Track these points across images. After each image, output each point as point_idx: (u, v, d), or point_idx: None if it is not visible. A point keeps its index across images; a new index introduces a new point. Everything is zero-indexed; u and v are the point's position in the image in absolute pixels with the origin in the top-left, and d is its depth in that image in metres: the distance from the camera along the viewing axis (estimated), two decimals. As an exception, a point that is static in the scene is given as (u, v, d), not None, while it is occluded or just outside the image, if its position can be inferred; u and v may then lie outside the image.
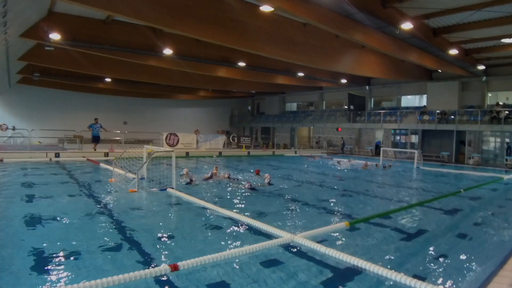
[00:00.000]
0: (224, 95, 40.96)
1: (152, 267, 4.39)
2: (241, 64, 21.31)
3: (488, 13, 13.72)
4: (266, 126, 42.22)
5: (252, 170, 15.67)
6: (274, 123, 40.96)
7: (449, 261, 5.18)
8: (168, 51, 18.26)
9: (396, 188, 12.75)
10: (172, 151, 10.61)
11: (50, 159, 18.28)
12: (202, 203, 8.22)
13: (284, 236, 5.49)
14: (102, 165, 16.14)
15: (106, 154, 20.37)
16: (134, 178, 11.37)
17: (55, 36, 15.32)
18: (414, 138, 28.68)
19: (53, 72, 26.53)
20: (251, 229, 6.33)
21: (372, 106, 33.27)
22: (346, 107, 33.57)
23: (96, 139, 21.28)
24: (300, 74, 24.65)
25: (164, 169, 13.90)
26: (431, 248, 5.71)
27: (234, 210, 7.71)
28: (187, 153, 23.44)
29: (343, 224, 6.10)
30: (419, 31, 15.04)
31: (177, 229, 6.72)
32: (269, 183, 11.85)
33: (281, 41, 16.48)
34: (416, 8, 13.69)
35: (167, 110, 41.61)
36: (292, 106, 43.04)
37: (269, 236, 5.79)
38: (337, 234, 6.08)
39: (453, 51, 17.47)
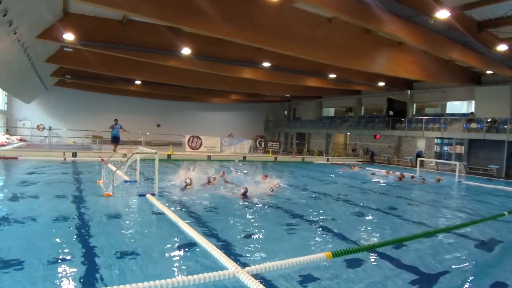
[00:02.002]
0: (258, 99, 39.89)
1: None
2: (266, 64, 20.01)
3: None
4: (301, 132, 40.54)
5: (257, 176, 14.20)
6: (309, 129, 39.22)
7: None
8: (186, 51, 17.39)
9: (424, 207, 10.72)
10: (155, 152, 9.42)
11: (65, 159, 17.98)
12: (171, 215, 6.94)
13: (229, 269, 4.11)
14: (110, 166, 15.41)
15: (124, 155, 19.75)
16: (128, 180, 10.53)
17: (68, 36, 15.26)
18: (460, 149, 25.88)
19: (83, 74, 26.76)
20: (206, 254, 4.99)
21: (414, 112, 30.73)
22: (386, 113, 31.22)
23: (115, 140, 20.76)
24: (332, 75, 22.88)
25: (168, 172, 12.83)
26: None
27: (202, 228, 6.49)
28: (209, 157, 22.43)
29: (323, 255, 4.50)
30: (459, 23, 13.04)
31: (126, 243, 5.52)
32: (272, 191, 10.43)
33: (304, 38, 15.08)
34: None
35: (201, 114, 41.24)
36: (329, 112, 41.07)
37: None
38: (313, 268, 4.60)
39: (502, 47, 15.12)
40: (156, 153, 9.37)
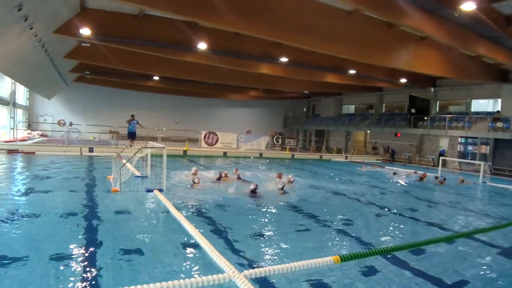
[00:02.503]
0: (277, 96, 39.45)
1: None
2: (284, 59, 19.61)
3: None
4: (320, 129, 39.90)
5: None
6: (328, 126, 38.55)
7: None
8: (202, 46, 17.18)
9: (445, 209, 10.15)
10: (163, 147, 9.20)
11: (81, 154, 18.07)
12: (174, 213, 6.69)
13: (226, 273, 3.81)
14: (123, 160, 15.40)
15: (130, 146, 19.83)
16: (138, 175, 10.41)
17: (85, 31, 15.32)
18: (485, 149, 24.86)
19: (102, 70, 26.99)
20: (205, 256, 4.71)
21: (437, 110, 29.74)
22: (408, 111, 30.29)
23: (132, 136, 20.75)
24: (351, 71, 22.28)
25: (181, 167, 12.62)
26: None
27: (208, 226, 6.25)
28: (225, 153, 22.23)
29: (330, 259, 4.15)
30: (486, 16, 12.36)
31: (126, 241, 5.28)
32: (282, 189, 10.08)
33: (323, 32, 14.68)
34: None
35: (219, 110, 41.13)
36: (350, 109, 40.27)
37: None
38: (323, 272, 4.26)
39: (533, 43, 14.36)
40: (164, 148, 9.15)
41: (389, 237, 6.65)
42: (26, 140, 23.47)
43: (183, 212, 7.06)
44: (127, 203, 7.76)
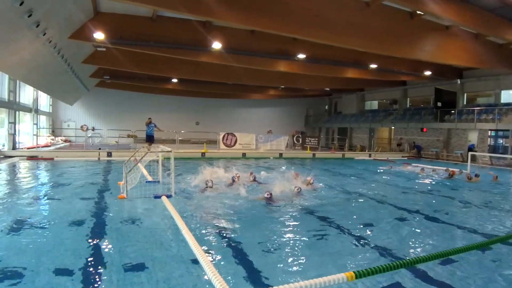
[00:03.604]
0: (297, 94, 38.89)
1: None
2: (301, 56, 19.06)
3: None
4: (342, 127, 39.01)
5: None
6: (351, 123, 37.67)
7: None
8: (217, 45, 16.87)
9: (475, 209, 9.34)
10: (170, 151, 8.84)
11: (99, 159, 18.06)
12: (178, 221, 6.26)
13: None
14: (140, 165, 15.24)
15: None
16: (150, 180, 10.15)
17: (99, 35, 15.33)
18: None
19: (121, 74, 27.17)
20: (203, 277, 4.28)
21: (464, 103, 28.46)
22: (434, 105, 29.11)
23: (150, 139, 20.62)
24: (373, 65, 21.49)
25: (197, 171, 12.25)
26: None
27: (217, 236, 5.84)
28: (243, 154, 21.85)
29: (343, 276, 3.61)
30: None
31: (126, 252, 4.93)
32: (299, 191, 9.58)
33: (340, 25, 14.10)
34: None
35: (240, 111, 40.91)
36: (373, 105, 39.17)
37: None
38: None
39: None
40: (171, 151, 8.80)
41: (414, 245, 6.04)
42: (49, 146, 23.78)
43: (190, 220, 6.68)
44: (133, 211, 7.45)
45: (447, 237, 6.49)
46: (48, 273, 4.27)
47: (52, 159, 17.06)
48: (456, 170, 16.01)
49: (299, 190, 9.63)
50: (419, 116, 30.06)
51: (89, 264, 4.60)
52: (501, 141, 25.11)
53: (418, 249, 5.75)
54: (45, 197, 8.67)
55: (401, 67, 22.74)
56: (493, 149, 24.89)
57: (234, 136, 23.22)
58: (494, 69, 22.93)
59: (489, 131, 24.88)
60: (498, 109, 23.88)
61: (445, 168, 16.87)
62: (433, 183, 14.10)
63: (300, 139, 27.04)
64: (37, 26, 12.48)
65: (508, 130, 23.57)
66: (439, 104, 27.59)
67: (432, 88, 28.53)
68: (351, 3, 13.67)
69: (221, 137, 22.90)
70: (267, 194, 8.87)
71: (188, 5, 12.02)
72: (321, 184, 11.67)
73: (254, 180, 11.10)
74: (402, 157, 26.85)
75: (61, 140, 30.15)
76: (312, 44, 18.00)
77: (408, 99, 34.16)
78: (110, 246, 5.29)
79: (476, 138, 25.73)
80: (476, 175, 14.66)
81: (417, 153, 27.81)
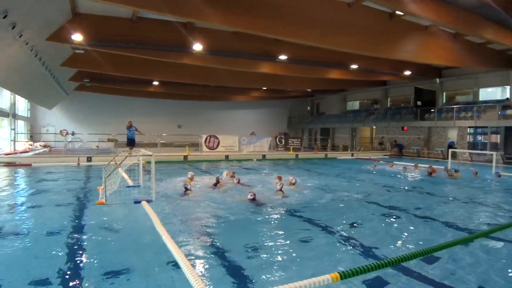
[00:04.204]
0: (280, 96, 38.91)
1: None
2: (283, 57, 19.04)
3: None
4: (325, 127, 39.25)
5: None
6: (333, 124, 37.91)
7: None
8: (198, 47, 16.66)
9: (457, 205, 9.45)
10: (151, 154, 8.69)
11: (78, 164, 17.66)
12: (159, 227, 6.10)
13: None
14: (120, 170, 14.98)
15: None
16: (130, 185, 9.94)
17: (77, 37, 14.92)
18: (496, 138, 24.05)
19: (102, 77, 26.66)
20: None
21: (444, 101, 28.95)
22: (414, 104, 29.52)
23: (131, 142, 20.27)
24: (354, 66, 21.64)
25: (179, 173, 12.10)
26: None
27: (198, 240, 5.74)
28: (226, 156, 21.70)
29: (328, 278, 3.54)
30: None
31: (108, 261, 4.75)
32: (281, 190, 9.52)
33: (322, 25, 14.10)
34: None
35: (222, 113, 40.68)
36: (354, 105, 39.53)
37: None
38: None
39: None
40: (151, 155, 8.63)
41: (399, 244, 6.03)
42: (28, 152, 23.18)
43: (171, 224, 6.54)
44: (112, 217, 7.25)
45: (431, 234, 6.51)
46: (23, 285, 4.10)
47: (30, 165, 16.62)
48: (435, 167, 16.32)
49: (281, 186, 9.61)
50: (400, 115, 30.45)
51: (67, 273, 4.43)
52: (480, 137, 25.64)
53: (403, 247, 5.75)
54: (22, 205, 8.41)
55: (382, 67, 22.99)
56: (473, 145, 25.40)
57: (217, 138, 23.06)
58: (472, 68, 23.40)
59: (468, 128, 25.38)
60: (476, 107, 24.36)
61: (428, 165, 17.07)
62: (416, 180, 14.27)
63: (283, 140, 27.03)
64: (13, 28, 12.14)
65: (486, 127, 24.08)
66: (419, 103, 28.00)
67: (412, 88, 28.95)
68: (333, 3, 13.70)
69: (203, 139, 22.70)
70: (251, 195, 8.77)
71: (170, 6, 11.79)
72: (304, 185, 11.65)
73: (238, 182, 10.99)
74: (384, 155, 27.14)
75: (40, 145, 29.42)
76: (294, 45, 18.01)
77: (389, 98, 34.61)
78: (88, 254, 5.12)
79: (455, 135, 26.20)
80: (456, 171, 14.95)
81: (398, 152, 28.16)
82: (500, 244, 5.80)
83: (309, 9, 13.43)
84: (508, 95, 24.09)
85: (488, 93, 26.57)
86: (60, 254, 5.08)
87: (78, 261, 4.84)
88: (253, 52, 18.83)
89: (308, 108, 45.27)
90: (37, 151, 24.46)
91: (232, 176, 11.36)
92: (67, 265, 4.68)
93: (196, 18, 12.75)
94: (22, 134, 29.17)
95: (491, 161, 17.16)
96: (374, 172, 16.74)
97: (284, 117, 44.61)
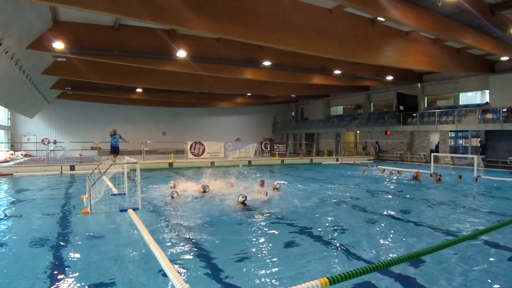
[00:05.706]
0: (264, 101, 39.08)
1: None
2: (267, 63, 19.12)
3: None
4: (310, 132, 39.49)
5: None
6: (318, 129, 38.17)
7: None
8: (182, 53, 16.61)
9: (442, 209, 9.56)
10: (136, 162, 8.60)
11: (61, 173, 17.35)
12: (145, 235, 6.02)
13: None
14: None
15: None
16: (116, 193, 9.79)
17: (58, 45, 14.67)
18: (476, 141, 24.55)
19: (84, 85, 26.35)
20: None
21: (425, 106, 29.48)
22: (396, 108, 29.96)
23: (115, 150, 20.02)
24: (337, 71, 21.86)
25: (164, 181, 11.97)
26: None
27: (185, 247, 5.70)
28: (212, 163, 21.60)
29: (317, 283, 3.53)
30: (471, 5, 12.02)
31: (94, 272, 4.65)
32: (266, 195, 9.53)
33: (304, 32, 14.15)
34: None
35: (207, 119, 40.58)
36: (338, 110, 39.92)
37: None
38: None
39: (518, 30, 14.03)
40: (136, 162, 8.55)
41: (387, 248, 6.09)
42: (8, 161, 22.68)
43: (157, 232, 6.47)
44: (98, 226, 7.14)
45: (418, 238, 6.56)
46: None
47: (12, 174, 16.24)
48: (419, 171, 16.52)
49: (266, 194, 9.61)
50: (383, 120, 30.87)
51: (51, 285, 4.33)
52: (461, 141, 26.13)
53: (391, 252, 5.78)
54: (4, 215, 8.17)
55: (364, 72, 23.30)
56: (454, 149, 25.86)
57: (202, 145, 22.96)
58: (452, 73, 23.91)
59: (450, 132, 25.84)
60: (457, 111, 24.88)
61: (416, 170, 17.22)
62: (401, 185, 14.41)
63: (269, 146, 27.07)
64: (-9, 36, 11.93)
65: (467, 131, 24.57)
66: (401, 107, 28.46)
67: (394, 93, 29.41)
68: (315, 9, 13.80)
69: (188, 146, 22.56)
70: (242, 197, 8.75)
71: (152, 14, 11.66)
72: (289, 190, 11.66)
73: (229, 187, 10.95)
74: (368, 160, 27.40)
75: (21, 154, 28.83)
76: (278, 51, 18.12)
77: (372, 103, 35.06)
78: (73, 264, 5.00)
79: (437, 139, 26.66)
80: (440, 176, 15.13)
81: (376, 154, 28.67)
82: (486, 247, 5.91)
83: (290, 15, 13.51)
84: (487, 99, 24.65)
85: (468, 97, 27.16)
86: (44, 265, 4.96)
87: (63, 272, 4.71)
88: (237, 58, 18.85)
89: (293, 113, 45.50)
90: (18, 161, 23.96)
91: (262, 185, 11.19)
92: (51, 277, 4.57)
93: (179, 25, 12.66)
94: (2, 144, 28.53)
95: (472, 165, 17.46)
96: (360, 177, 16.87)
97: (269, 122, 44.75)
